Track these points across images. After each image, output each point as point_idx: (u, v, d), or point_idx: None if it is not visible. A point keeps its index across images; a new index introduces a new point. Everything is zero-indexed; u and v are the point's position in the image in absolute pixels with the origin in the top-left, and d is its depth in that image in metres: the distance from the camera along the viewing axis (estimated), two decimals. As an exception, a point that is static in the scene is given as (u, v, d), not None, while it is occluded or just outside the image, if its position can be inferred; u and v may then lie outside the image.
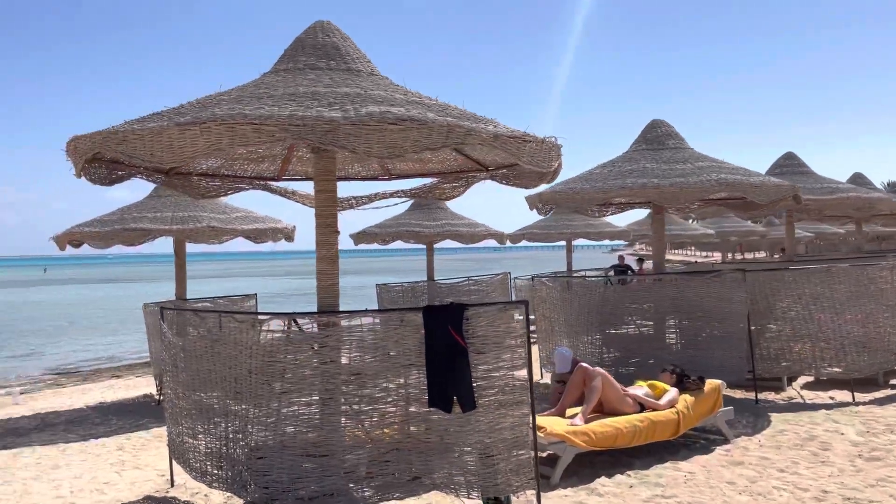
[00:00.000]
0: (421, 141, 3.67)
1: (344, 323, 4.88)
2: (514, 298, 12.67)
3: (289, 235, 9.87)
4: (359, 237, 13.21)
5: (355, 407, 4.65)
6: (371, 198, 6.21)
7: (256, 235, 9.54)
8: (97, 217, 9.07)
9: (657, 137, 8.38)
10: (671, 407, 6.06)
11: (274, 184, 6.14)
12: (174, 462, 5.61)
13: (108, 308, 36.46)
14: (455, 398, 4.39)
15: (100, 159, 4.78)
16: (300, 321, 4.90)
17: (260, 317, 4.96)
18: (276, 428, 4.72)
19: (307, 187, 6.29)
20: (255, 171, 6.06)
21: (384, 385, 4.58)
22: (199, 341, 5.25)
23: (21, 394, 12.69)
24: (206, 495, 5.47)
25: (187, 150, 3.59)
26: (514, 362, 4.40)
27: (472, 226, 12.94)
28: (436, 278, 13.35)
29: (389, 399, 4.57)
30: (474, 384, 4.38)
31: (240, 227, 9.15)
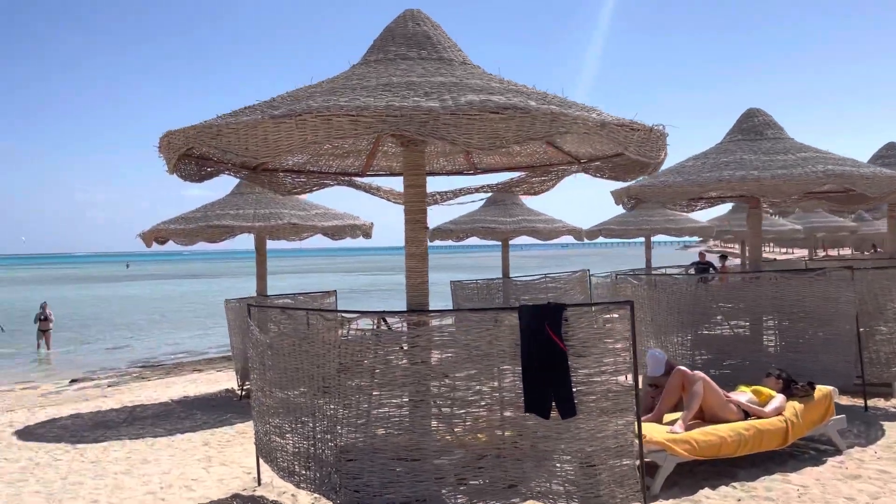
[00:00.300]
0: (523, 130, 3.44)
1: (434, 322, 4.71)
2: (591, 297, 12.28)
3: (367, 232, 9.81)
4: (433, 234, 13.06)
5: (447, 410, 4.46)
6: (456, 193, 6.02)
7: (335, 232, 9.50)
8: (182, 214, 9.20)
9: (754, 127, 7.89)
10: (778, 414, 5.65)
11: (359, 179, 6.01)
12: (261, 460, 5.56)
13: (187, 303, 37.63)
14: (553, 403, 4.15)
15: (189, 155, 4.73)
16: (389, 320, 4.75)
17: (348, 315, 4.83)
18: (366, 429, 4.58)
19: (391, 183, 6.16)
20: (339, 166, 5.94)
21: (477, 388, 4.38)
22: (286, 339, 5.17)
23: (108, 386, 13.10)
24: (293, 495, 5.40)
25: (282, 143, 3.46)
26: (617, 366, 4.13)
27: (549, 222, 12.62)
28: (510, 275, 13.10)
29: (483, 403, 4.36)
30: (574, 389, 4.13)
31: (319, 224, 9.12)
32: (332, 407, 4.82)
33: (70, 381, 14.42)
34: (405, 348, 4.53)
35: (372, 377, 4.60)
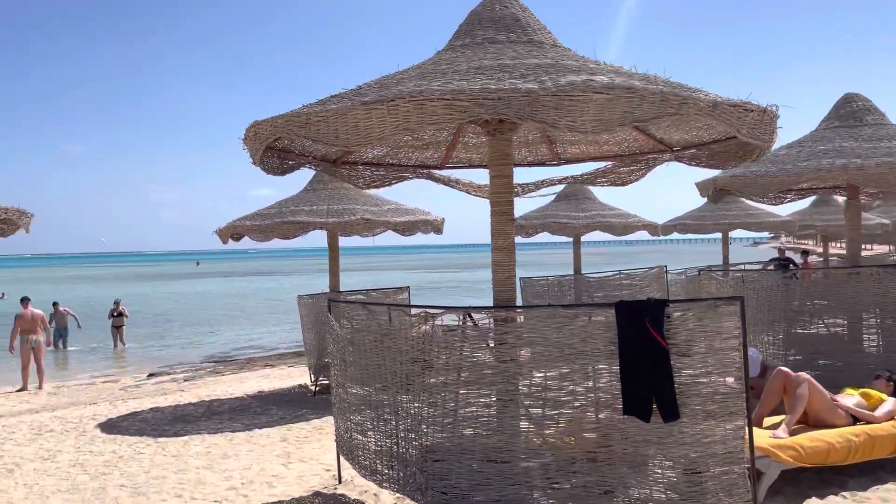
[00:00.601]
0: (630, 112, 3.19)
1: (521, 319, 4.50)
2: (669, 294, 11.84)
3: (438, 227, 9.66)
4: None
5: (537, 411, 4.25)
6: (538, 185, 5.80)
7: (407, 228, 9.39)
8: (257, 211, 9.25)
9: (853, 113, 7.38)
10: (890, 419, 5.22)
11: (437, 172, 5.86)
12: (342, 458, 5.46)
13: (258, 300, 38.43)
14: (655, 406, 3.88)
15: (272, 148, 4.66)
16: (475, 316, 4.56)
17: (432, 310, 4.66)
18: (453, 429, 4.41)
19: (470, 175, 5.98)
20: (419, 159, 5.80)
21: (570, 388, 4.15)
22: (367, 335, 5.05)
23: (184, 381, 13.36)
24: (375, 494, 5.28)
25: (373, 130, 3.31)
26: (724, 367, 3.83)
27: (623, 216, 12.24)
28: (583, 272, 12.76)
29: (577, 404, 4.13)
30: (677, 391, 3.85)
31: (392, 220, 9.02)
32: (416, 405, 4.67)
33: (148, 375, 14.79)
34: (492, 346, 4.35)
35: (458, 375, 4.43)
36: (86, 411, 9.59)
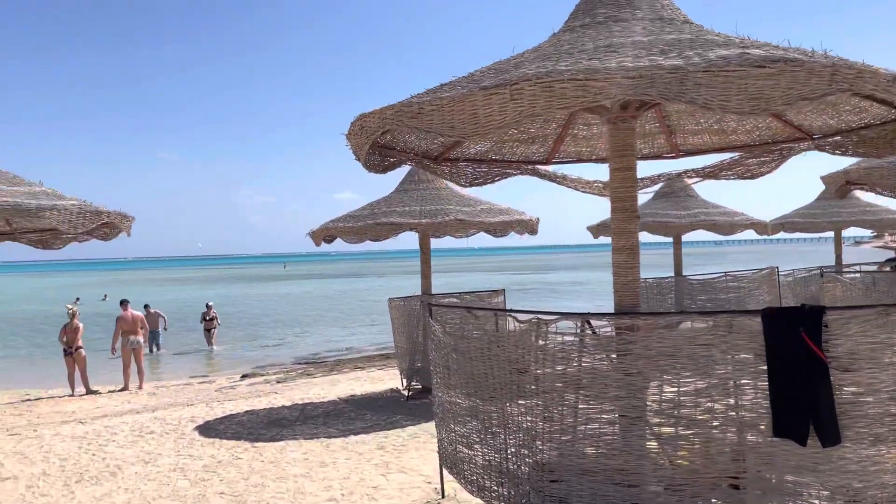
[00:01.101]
0: (794, 89, 2.73)
1: (648, 326, 4.07)
2: (780, 298, 11.02)
3: (533, 228, 9.27)
4: (598, 229, 12.31)
5: (669, 430, 3.81)
6: (654, 179, 5.35)
7: (501, 228, 9.04)
8: (349, 213, 9.10)
9: None
10: None
11: (543, 168, 5.48)
12: (445, 470, 5.16)
13: (345, 302, 38.94)
14: (812, 427, 3.39)
15: (373, 144, 4.40)
16: (594, 322, 4.16)
17: (546, 317, 4.29)
18: (572, 447, 4.03)
19: (578, 170, 5.58)
20: (524, 154, 5.44)
21: (707, 405, 3.69)
22: (473, 341, 4.73)
23: (277, 382, 13.44)
24: (482, 512, 4.93)
25: (494, 118, 2.98)
26: (896, 384, 3.30)
27: (729, 215, 11.50)
28: (683, 273, 12.07)
29: (715, 423, 3.67)
30: (838, 410, 3.35)
31: (486, 220, 8.69)
32: (529, 419, 4.31)
33: (242, 377, 15.00)
34: (615, 356, 3.94)
35: (577, 388, 4.05)
36: (184, 413, 9.69)
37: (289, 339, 22.50)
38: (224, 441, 7.66)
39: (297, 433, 7.85)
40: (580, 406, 4.04)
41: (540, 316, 4.35)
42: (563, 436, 4.09)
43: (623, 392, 3.88)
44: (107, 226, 7.57)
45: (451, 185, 9.58)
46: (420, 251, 9.68)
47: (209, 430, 8.35)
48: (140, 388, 13.93)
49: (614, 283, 4.21)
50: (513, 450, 4.47)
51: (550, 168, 5.49)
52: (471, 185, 5.40)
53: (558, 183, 5.43)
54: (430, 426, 7.85)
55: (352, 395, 10.34)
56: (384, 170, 4.66)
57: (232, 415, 9.30)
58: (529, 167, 5.46)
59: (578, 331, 4.23)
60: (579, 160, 5.63)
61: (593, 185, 5.43)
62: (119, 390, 13.79)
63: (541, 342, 4.22)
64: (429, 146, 4.98)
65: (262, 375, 14.95)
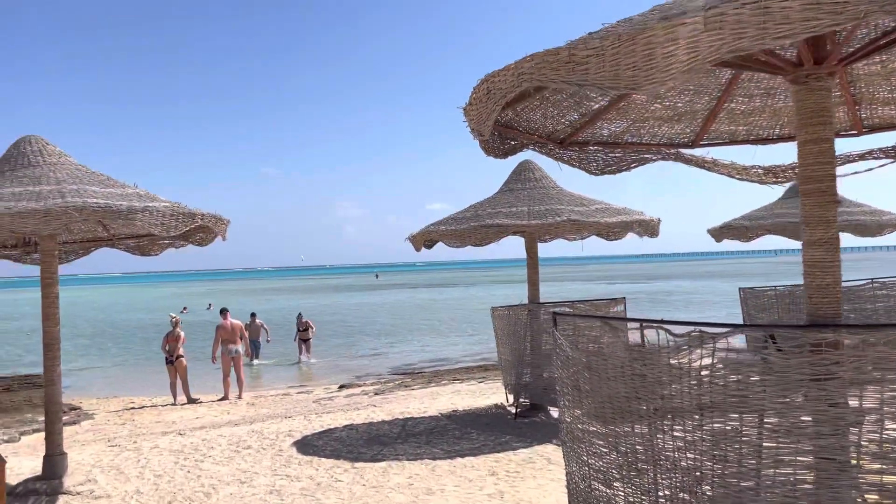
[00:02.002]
0: None
1: (850, 342, 3.14)
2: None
3: (654, 229, 8.30)
4: (720, 232, 11.13)
5: (892, 479, 2.88)
6: (861, 156, 4.34)
7: (619, 230, 8.14)
8: (452, 215, 8.43)
9: None
10: None
11: (687, 152, 4.60)
12: (575, 511, 4.33)
13: (438, 311, 38.56)
14: None
15: (495, 123, 3.66)
16: (779, 336, 3.26)
17: (710, 330, 3.42)
18: (755, 496, 3.14)
19: (731, 154, 4.68)
20: (666, 135, 4.57)
21: (950, 447, 2.74)
22: (612, 358, 3.90)
23: (375, 394, 12.93)
24: (625, 565, 4.07)
25: (677, 58, 2.17)
26: None
27: (875, 214, 10.11)
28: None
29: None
30: None
31: (603, 221, 7.82)
32: (689, 456, 3.44)
33: (339, 387, 14.62)
34: (814, 381, 3.03)
35: (760, 421, 3.16)
36: (282, 426, 9.26)
37: (384, 349, 22.13)
38: (323, 460, 7.11)
39: (400, 453, 7.20)
40: (765, 444, 3.16)
41: (703, 329, 3.49)
42: (741, 481, 3.21)
43: (826, 428, 2.97)
44: (202, 230, 7.19)
45: (561, 184, 8.77)
46: (527, 256, 8.90)
47: (307, 446, 7.84)
48: (240, 397, 13.75)
49: (807, 287, 3.30)
50: (667, 492, 3.60)
51: (698, 152, 4.60)
52: (602, 172, 4.58)
53: (707, 169, 4.53)
54: (545, 449, 7.03)
55: (454, 411, 9.63)
56: (505, 154, 3.93)
57: (330, 429, 8.78)
58: (672, 151, 4.58)
59: (758, 347, 3.36)
60: (732, 142, 4.70)
61: (751, 171, 4.51)
62: (219, 400, 13.66)
63: (706, 360, 3.36)
64: (555, 126, 4.21)
65: (360, 386, 14.51)
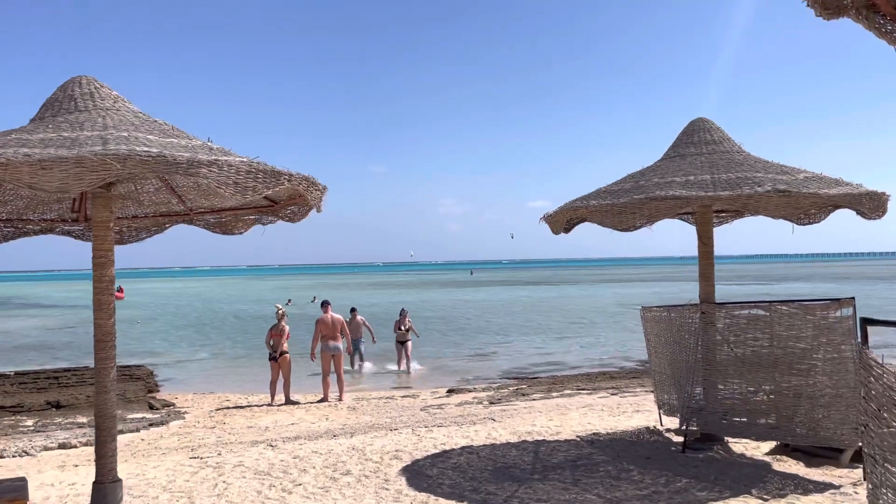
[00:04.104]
0: None
1: None
2: None
3: (884, 205, 6.01)
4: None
5: None
6: None
7: (844, 203, 5.92)
8: (604, 188, 6.44)
9: None
10: None
11: None
12: None
13: (541, 309, 36.38)
14: None
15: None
16: None
17: None
18: None
19: None
20: None
21: None
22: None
23: (490, 403, 11.09)
24: None
25: None
26: None
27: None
28: None
29: None
30: None
31: (822, 192, 5.61)
32: None
33: (447, 392, 12.90)
34: None
35: None
36: (387, 442, 7.57)
37: (492, 350, 20.24)
38: (441, 500, 5.32)
39: (541, 497, 5.30)
40: None
41: None
42: None
43: None
44: (293, 200, 5.58)
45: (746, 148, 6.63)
46: (698, 240, 6.79)
47: (419, 476, 6.09)
48: (340, 399, 12.27)
49: None
50: None
51: None
52: None
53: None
54: (751, 506, 4.96)
55: (595, 434, 7.63)
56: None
57: (446, 452, 7.00)
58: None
59: None
60: None
61: None
62: (318, 401, 12.22)
63: None
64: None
65: (470, 392, 12.73)
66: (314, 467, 6.51)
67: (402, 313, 16.70)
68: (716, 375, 6.48)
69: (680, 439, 7.01)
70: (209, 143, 4.61)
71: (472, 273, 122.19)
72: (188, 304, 49.32)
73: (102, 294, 4.94)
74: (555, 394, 11.75)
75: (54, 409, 11.69)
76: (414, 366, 16.49)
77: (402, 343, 16.40)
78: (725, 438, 6.69)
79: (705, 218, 6.74)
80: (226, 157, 4.24)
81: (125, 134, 4.28)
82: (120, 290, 60.05)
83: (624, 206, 5.87)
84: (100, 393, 4.92)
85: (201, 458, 7.21)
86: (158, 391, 14.22)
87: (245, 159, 4.35)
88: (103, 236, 4.94)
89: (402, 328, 16.40)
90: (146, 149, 3.97)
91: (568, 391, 12.02)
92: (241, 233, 6.24)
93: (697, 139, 6.58)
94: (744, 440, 6.62)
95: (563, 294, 52.02)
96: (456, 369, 16.51)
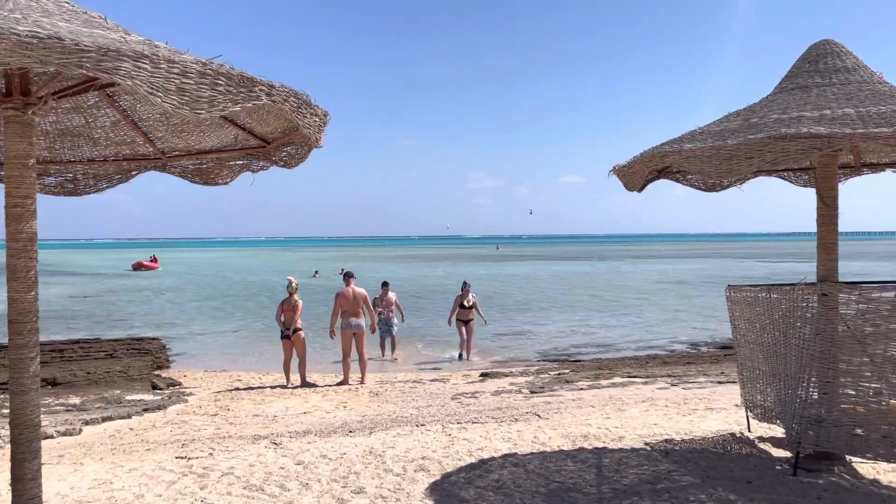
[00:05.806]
0: None
1: None
2: None
3: None
4: None
5: None
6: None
7: None
8: (703, 127, 4.83)
9: None
10: None
11: None
12: None
13: (571, 286, 34.73)
14: None
15: None
16: None
17: None
18: None
19: None
20: None
21: None
22: None
23: (531, 392, 9.60)
24: None
25: None
26: None
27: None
28: None
29: None
30: None
31: None
32: None
33: (480, 376, 11.44)
34: None
35: None
36: (411, 445, 6.13)
37: (527, 328, 18.68)
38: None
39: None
40: None
41: None
42: None
43: None
44: (289, 137, 4.08)
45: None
46: (818, 202, 5.14)
47: (452, 497, 4.63)
48: (362, 382, 10.89)
49: None
50: None
51: None
52: None
53: None
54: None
55: (667, 442, 6.09)
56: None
57: (483, 462, 5.53)
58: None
59: None
60: None
61: None
62: (337, 384, 10.85)
63: None
64: None
65: (507, 376, 11.24)
66: (319, 480, 5.08)
67: (464, 287, 13.76)
68: (841, 377, 4.88)
69: (781, 453, 5.45)
70: (157, 43, 3.09)
71: (497, 248, 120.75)
72: (219, 274, 48.56)
73: (19, 257, 3.49)
74: (604, 381, 10.22)
75: (49, 387, 10.48)
76: (476, 360, 13.65)
77: (464, 323, 13.59)
78: (847, 458, 5.11)
79: (829, 171, 5.09)
80: (175, 56, 2.74)
81: (18, 15, 2.80)
82: (154, 259, 59.59)
83: (735, 148, 4.25)
84: (16, 394, 3.50)
85: (188, 459, 5.85)
86: (168, 367, 13.00)
87: (203, 60, 2.85)
88: (19, 177, 3.48)
89: (466, 303, 13.49)
90: (33, 29, 2.47)
91: (618, 378, 10.48)
92: (225, 182, 4.78)
93: (824, 66, 4.91)
94: (872, 461, 5.03)
95: (593, 270, 50.19)
96: (488, 349, 15.03)
